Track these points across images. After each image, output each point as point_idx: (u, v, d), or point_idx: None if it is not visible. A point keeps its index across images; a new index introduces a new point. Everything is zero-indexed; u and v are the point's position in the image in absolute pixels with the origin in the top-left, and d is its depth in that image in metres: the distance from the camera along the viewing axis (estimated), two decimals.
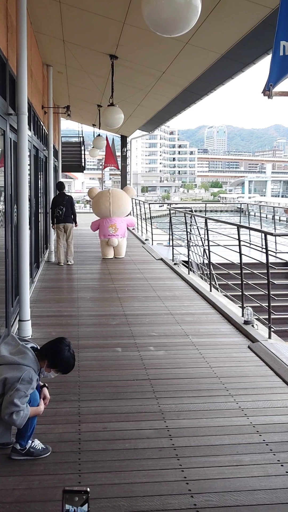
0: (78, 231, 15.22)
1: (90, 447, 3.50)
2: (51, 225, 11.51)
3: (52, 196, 11.76)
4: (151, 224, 15.79)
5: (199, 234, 12.45)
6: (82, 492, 1.62)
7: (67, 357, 3.37)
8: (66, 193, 11.45)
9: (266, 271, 6.29)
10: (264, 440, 3.62)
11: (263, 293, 6.49)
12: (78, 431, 3.72)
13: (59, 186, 11.54)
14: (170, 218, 13.68)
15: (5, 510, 2.83)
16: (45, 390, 3.48)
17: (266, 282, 6.27)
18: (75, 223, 11.38)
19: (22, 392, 3.13)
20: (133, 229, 18.70)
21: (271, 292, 6.24)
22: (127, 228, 12.52)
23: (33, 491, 3.00)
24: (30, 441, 3.33)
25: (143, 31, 6.99)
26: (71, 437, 3.63)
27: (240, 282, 7.15)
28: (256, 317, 6.65)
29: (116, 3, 6.71)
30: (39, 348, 3.41)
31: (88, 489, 1.61)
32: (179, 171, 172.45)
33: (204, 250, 11.17)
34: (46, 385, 3.54)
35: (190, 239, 11.18)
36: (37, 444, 3.37)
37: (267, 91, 3.64)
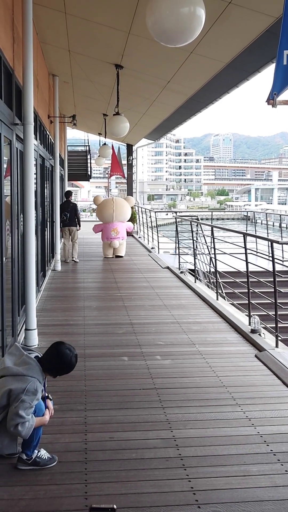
0: (84, 239, 15.44)
1: (97, 457, 3.49)
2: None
3: (58, 204, 12.19)
4: (157, 232, 15.79)
5: (205, 242, 12.44)
6: (109, 509, 1.61)
7: (73, 363, 3.37)
8: (72, 201, 13.31)
9: (272, 279, 6.27)
10: (271, 450, 3.59)
11: (270, 301, 6.47)
12: (84, 441, 3.71)
13: (66, 194, 13.46)
14: (176, 226, 13.69)
15: None
16: (49, 403, 3.47)
17: (273, 290, 6.24)
18: (79, 226, 13.16)
19: (27, 403, 3.13)
20: (139, 237, 18.74)
21: (278, 301, 6.21)
22: (127, 232, 14.45)
23: (40, 501, 2.98)
24: (36, 451, 3.32)
25: (148, 41, 7.03)
26: (78, 447, 3.62)
27: (246, 291, 7.12)
28: (263, 325, 6.62)
29: (121, 13, 6.76)
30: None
31: (115, 506, 1.60)
32: (185, 179, 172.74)
33: (210, 258, 11.15)
34: (51, 397, 3.53)
35: (196, 247, 11.17)
36: (43, 453, 3.36)
37: (271, 100, 3.64)
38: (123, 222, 13.82)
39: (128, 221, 14.48)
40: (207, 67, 7.92)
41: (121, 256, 13.80)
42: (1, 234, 4.89)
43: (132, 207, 17.62)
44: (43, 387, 3.34)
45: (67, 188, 19.97)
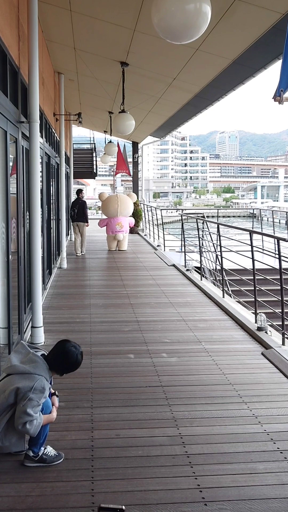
0: (90, 237, 15.61)
1: (103, 454, 3.50)
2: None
3: (64, 202, 12.29)
4: (163, 230, 15.82)
5: (211, 240, 12.43)
6: (118, 510, 1.62)
7: (78, 361, 3.38)
8: (81, 198, 14.32)
9: (279, 277, 6.25)
10: (278, 448, 3.59)
11: (276, 299, 6.45)
12: (91, 438, 3.72)
13: (76, 192, 14.62)
14: (182, 224, 13.69)
15: None
16: (55, 399, 3.48)
17: (280, 288, 6.22)
18: (87, 222, 14.15)
19: (34, 402, 3.14)
20: (145, 235, 18.75)
21: (285, 298, 6.19)
22: (130, 228, 15.61)
23: (46, 498, 2.99)
24: (42, 448, 3.34)
25: (153, 38, 7.02)
26: (84, 444, 3.63)
27: (253, 288, 7.11)
28: (270, 323, 6.60)
29: (127, 11, 6.75)
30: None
31: (124, 507, 1.60)
32: (191, 177, 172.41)
33: (216, 256, 11.14)
34: (57, 393, 3.54)
35: (202, 245, 11.16)
36: (50, 450, 3.37)
37: (278, 96, 3.63)
38: (126, 217, 14.94)
39: (131, 216, 15.60)
40: (213, 64, 7.90)
41: (124, 250, 14.85)
42: (7, 232, 4.91)
43: (137, 205, 17.95)
44: (50, 385, 3.35)
45: (73, 186, 20.09)
